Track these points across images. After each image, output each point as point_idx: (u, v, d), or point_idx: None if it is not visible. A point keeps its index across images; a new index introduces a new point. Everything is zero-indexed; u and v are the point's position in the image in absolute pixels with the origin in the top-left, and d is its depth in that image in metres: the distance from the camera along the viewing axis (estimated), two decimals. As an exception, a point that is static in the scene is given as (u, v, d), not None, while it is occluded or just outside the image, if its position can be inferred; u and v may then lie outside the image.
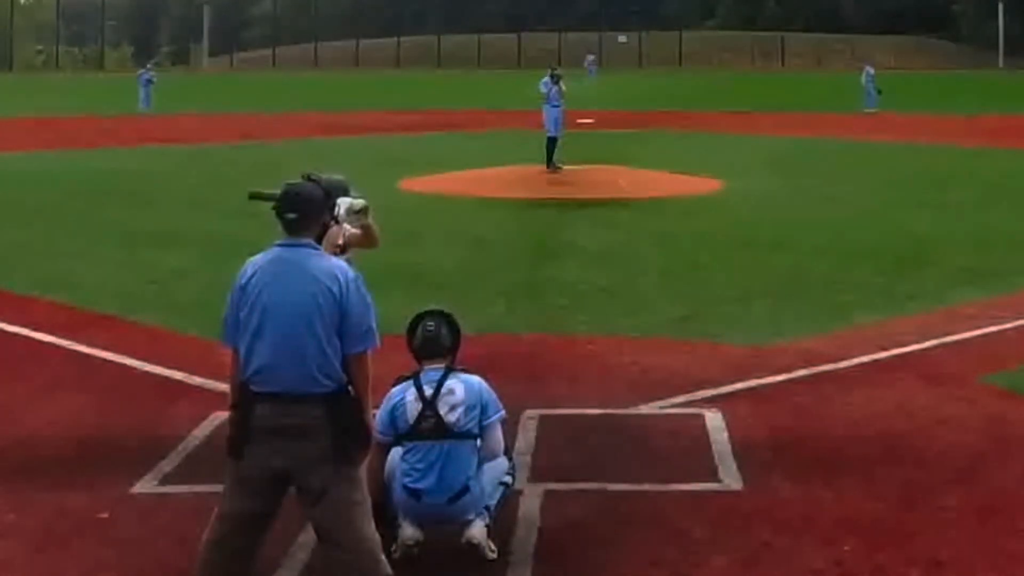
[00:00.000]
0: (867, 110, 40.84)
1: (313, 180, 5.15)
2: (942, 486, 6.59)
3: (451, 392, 5.74)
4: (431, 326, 5.94)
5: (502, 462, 5.93)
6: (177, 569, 5.38)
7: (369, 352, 4.92)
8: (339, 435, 4.79)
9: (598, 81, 62.58)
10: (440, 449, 5.66)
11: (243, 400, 4.87)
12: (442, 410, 5.69)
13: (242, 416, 4.86)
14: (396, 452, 5.82)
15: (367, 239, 6.28)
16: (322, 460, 4.80)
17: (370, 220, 6.27)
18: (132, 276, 12.77)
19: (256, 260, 4.96)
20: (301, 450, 4.78)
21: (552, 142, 23.29)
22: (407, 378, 5.85)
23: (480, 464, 5.77)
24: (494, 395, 5.88)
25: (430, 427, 5.68)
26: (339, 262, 5.08)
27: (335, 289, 4.83)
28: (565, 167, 23.01)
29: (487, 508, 5.75)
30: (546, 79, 24.14)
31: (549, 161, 23.13)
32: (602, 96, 46.69)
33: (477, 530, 5.66)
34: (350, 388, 4.90)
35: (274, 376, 4.80)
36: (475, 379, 5.86)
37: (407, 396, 5.76)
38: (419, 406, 5.72)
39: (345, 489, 4.86)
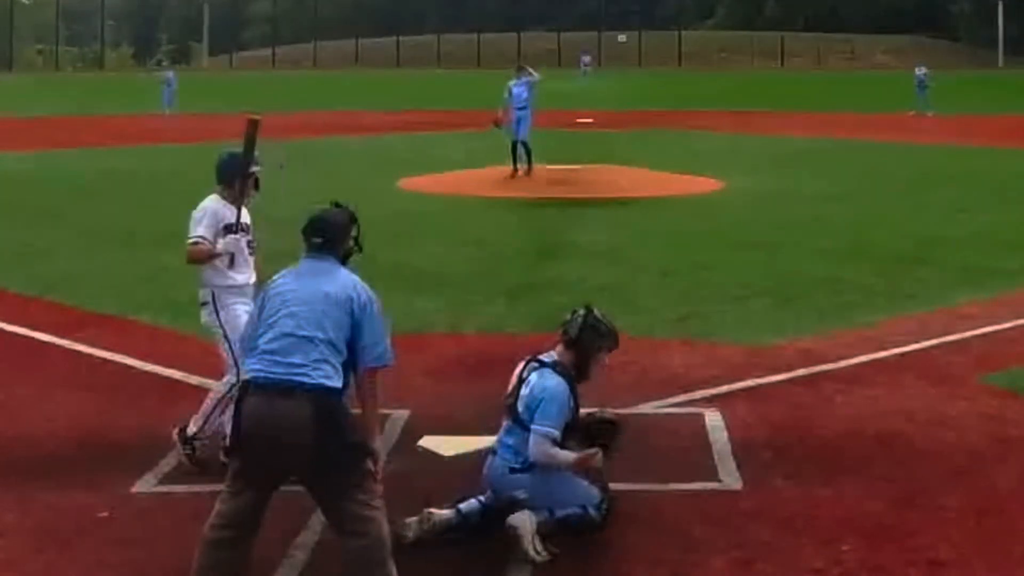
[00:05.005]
0: (912, 112, 39.14)
1: (340, 206, 5.46)
2: (942, 486, 6.58)
3: (528, 384, 6.00)
4: None
5: (583, 487, 5.98)
6: (177, 569, 5.37)
7: (381, 370, 5.21)
8: (324, 437, 4.86)
9: (594, 80, 62.59)
10: (506, 427, 6.02)
11: (238, 395, 5.08)
12: (520, 397, 5.99)
13: (236, 411, 5.06)
14: None
15: None
16: (311, 458, 4.89)
17: None
18: (132, 276, 12.77)
19: (283, 271, 5.35)
20: (289, 447, 4.88)
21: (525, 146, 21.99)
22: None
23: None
24: (553, 408, 5.88)
25: (508, 406, 6.03)
26: (358, 279, 5.30)
27: (353, 296, 5.11)
28: (562, 167, 22.90)
29: (550, 511, 5.81)
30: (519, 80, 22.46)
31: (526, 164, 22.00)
32: (601, 96, 46.66)
33: (519, 519, 5.71)
34: (345, 400, 5.04)
35: (270, 365, 4.97)
36: (551, 383, 5.95)
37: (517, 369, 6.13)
38: (514, 383, 6.06)
39: (351, 477, 4.97)
